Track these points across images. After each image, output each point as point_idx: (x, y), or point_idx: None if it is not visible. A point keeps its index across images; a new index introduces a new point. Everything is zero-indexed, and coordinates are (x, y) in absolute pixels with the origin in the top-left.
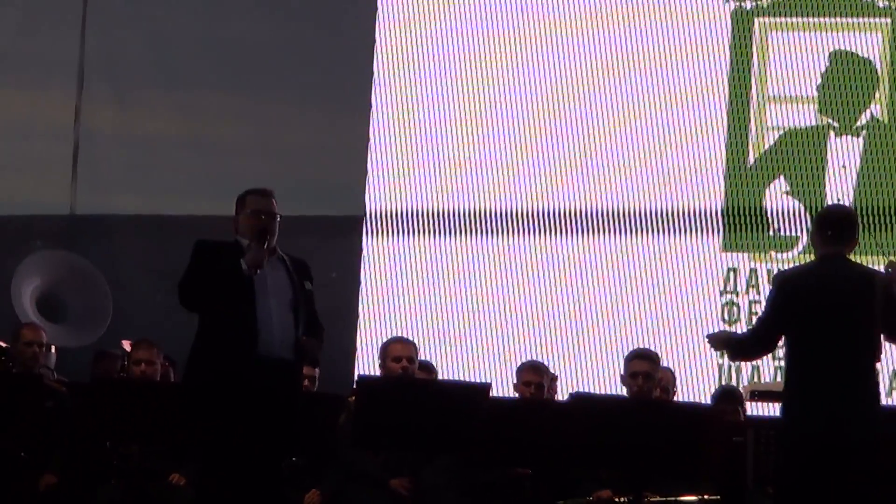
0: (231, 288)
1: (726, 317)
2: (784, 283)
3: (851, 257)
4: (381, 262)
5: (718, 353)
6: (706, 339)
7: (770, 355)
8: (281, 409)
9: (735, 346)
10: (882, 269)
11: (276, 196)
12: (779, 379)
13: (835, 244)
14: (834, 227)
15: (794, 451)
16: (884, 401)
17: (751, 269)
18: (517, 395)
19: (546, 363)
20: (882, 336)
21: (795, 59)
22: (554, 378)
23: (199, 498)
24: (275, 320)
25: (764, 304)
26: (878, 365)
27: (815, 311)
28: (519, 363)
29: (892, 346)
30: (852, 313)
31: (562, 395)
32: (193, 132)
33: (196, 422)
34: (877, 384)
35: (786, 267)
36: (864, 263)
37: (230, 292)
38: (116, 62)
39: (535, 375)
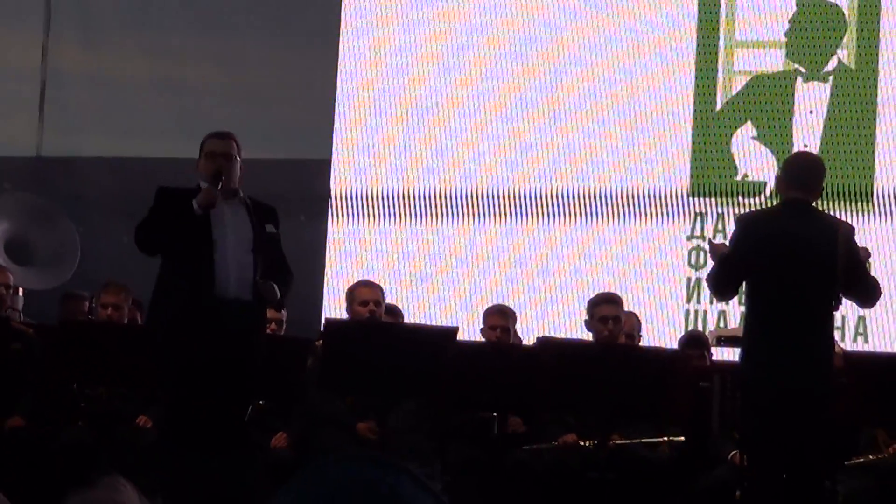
0: (185, 230)
1: (692, 261)
2: (747, 227)
3: (816, 203)
4: (349, 206)
5: (686, 292)
6: (708, 241)
7: (736, 300)
8: (241, 349)
9: (721, 265)
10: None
11: (244, 138)
12: None
13: (800, 190)
14: (801, 173)
15: (754, 397)
16: (849, 346)
17: (718, 214)
18: (483, 339)
19: (513, 306)
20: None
21: (763, 3)
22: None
23: (160, 439)
24: (231, 262)
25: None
26: (835, 314)
27: (776, 258)
28: (486, 308)
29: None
30: (814, 262)
31: (528, 339)
32: (161, 74)
33: (158, 363)
34: (832, 334)
35: None
36: (830, 209)
37: (186, 235)
38: (84, 2)
39: (500, 319)
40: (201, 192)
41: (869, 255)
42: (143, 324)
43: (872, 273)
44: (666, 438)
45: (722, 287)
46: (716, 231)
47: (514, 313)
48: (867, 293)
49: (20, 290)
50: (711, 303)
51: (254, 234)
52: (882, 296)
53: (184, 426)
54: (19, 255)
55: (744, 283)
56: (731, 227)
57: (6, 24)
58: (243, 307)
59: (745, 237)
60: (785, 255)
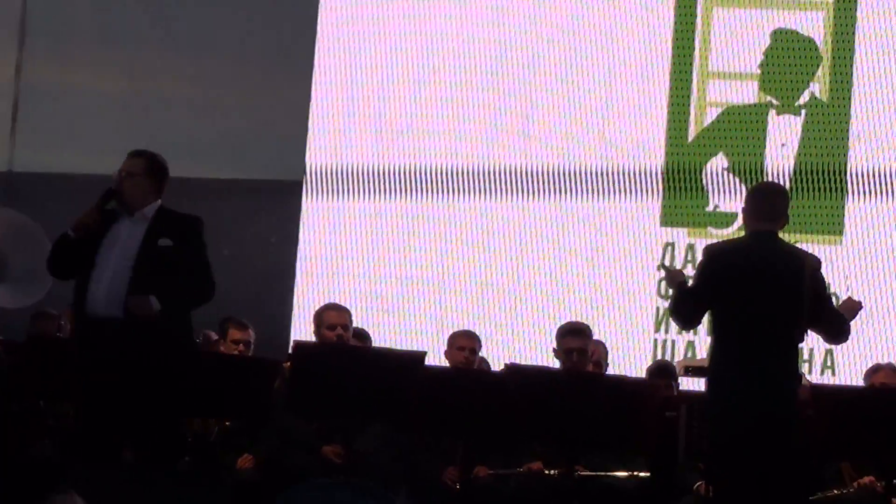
0: (66, 251)
1: (662, 291)
2: (713, 257)
3: (786, 236)
4: (319, 228)
5: (655, 321)
6: (661, 267)
7: (704, 330)
8: (114, 366)
9: (681, 294)
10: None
11: (216, 156)
12: None
13: (765, 221)
14: (765, 204)
15: (718, 426)
16: (816, 379)
17: (688, 245)
18: (447, 361)
19: (480, 333)
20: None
21: (738, 35)
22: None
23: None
24: (105, 280)
25: None
26: (800, 345)
27: (742, 288)
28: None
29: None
30: (779, 293)
31: (495, 365)
32: (134, 91)
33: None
34: (797, 364)
35: None
36: (800, 242)
37: (69, 256)
38: (58, 17)
39: (468, 341)
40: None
41: (860, 307)
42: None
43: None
44: (632, 474)
45: (685, 316)
46: (685, 261)
47: (479, 338)
48: (833, 327)
49: None
50: (679, 333)
51: (140, 249)
52: (851, 330)
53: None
54: None
55: (708, 313)
56: (699, 256)
57: None
58: (113, 326)
59: (712, 267)
60: (751, 285)
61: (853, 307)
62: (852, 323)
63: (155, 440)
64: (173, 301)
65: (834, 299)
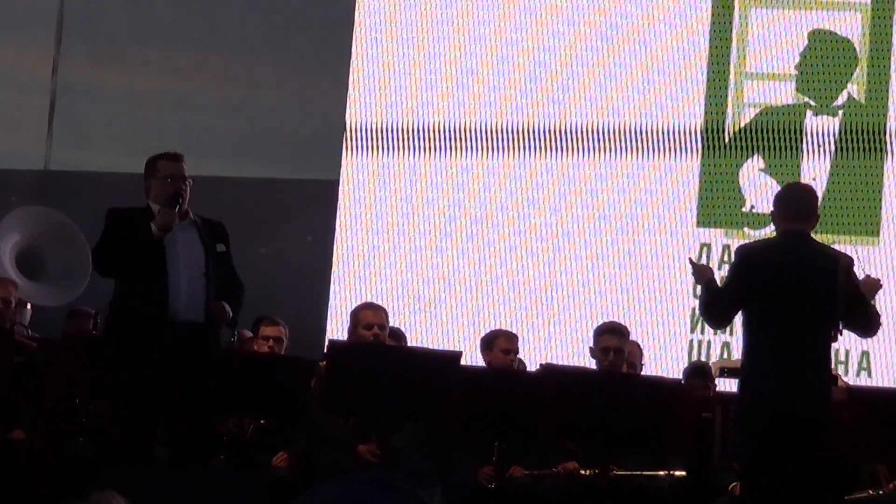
0: (142, 252)
1: (697, 292)
2: (745, 258)
3: (822, 237)
4: (356, 227)
5: (690, 322)
6: (689, 260)
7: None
8: (194, 370)
9: (710, 293)
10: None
11: (252, 157)
12: None
13: (797, 221)
14: (794, 205)
15: (751, 429)
16: (852, 381)
17: (724, 246)
18: (484, 361)
19: (516, 333)
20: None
21: (775, 36)
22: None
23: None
24: (183, 284)
25: None
26: (835, 346)
27: (775, 288)
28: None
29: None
30: (813, 292)
31: (531, 365)
32: (170, 89)
33: (112, 383)
34: (830, 364)
35: None
36: (836, 243)
37: (142, 257)
38: (95, 17)
39: (511, 343)
40: (160, 214)
41: (880, 285)
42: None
43: (878, 305)
44: (668, 473)
45: (716, 315)
46: (721, 262)
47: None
48: (867, 323)
49: (28, 304)
50: (715, 334)
51: (205, 254)
52: (887, 331)
53: (135, 443)
54: (31, 270)
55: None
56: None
57: (18, 36)
58: (195, 330)
59: (745, 267)
60: (784, 285)
61: (874, 286)
62: (889, 326)
63: (190, 439)
64: (235, 305)
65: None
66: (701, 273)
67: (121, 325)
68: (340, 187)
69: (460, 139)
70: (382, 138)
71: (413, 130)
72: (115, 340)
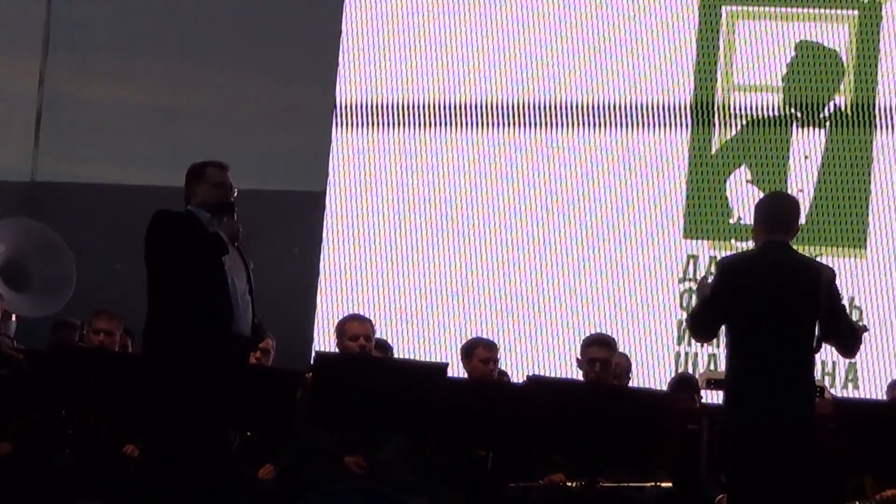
0: (212, 260)
1: (684, 304)
2: (726, 270)
3: (809, 249)
4: (342, 239)
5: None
6: (702, 279)
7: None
8: (237, 384)
9: (698, 306)
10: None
11: (238, 168)
12: None
13: (778, 231)
14: (775, 215)
15: (736, 441)
16: (839, 393)
17: (710, 257)
18: (466, 370)
19: (502, 344)
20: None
21: (762, 48)
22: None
23: (145, 468)
24: (240, 298)
25: None
26: (820, 357)
27: (756, 300)
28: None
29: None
30: (795, 304)
31: (518, 376)
32: (156, 101)
33: (157, 393)
34: (813, 375)
35: None
36: (823, 255)
37: (209, 265)
38: (81, 29)
39: (490, 352)
40: (226, 224)
41: (865, 329)
42: (137, 351)
43: (864, 321)
44: (654, 485)
45: (700, 329)
46: (708, 273)
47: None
48: (847, 340)
49: (13, 315)
50: (702, 346)
51: (246, 270)
52: (874, 343)
53: (175, 456)
54: (16, 281)
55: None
56: None
57: (3, 48)
58: (246, 344)
59: (726, 280)
60: (765, 297)
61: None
62: (876, 338)
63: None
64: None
65: (857, 312)
66: (702, 290)
67: (183, 338)
68: (327, 199)
69: (455, 139)
70: (369, 150)
71: (399, 142)
72: (176, 354)
